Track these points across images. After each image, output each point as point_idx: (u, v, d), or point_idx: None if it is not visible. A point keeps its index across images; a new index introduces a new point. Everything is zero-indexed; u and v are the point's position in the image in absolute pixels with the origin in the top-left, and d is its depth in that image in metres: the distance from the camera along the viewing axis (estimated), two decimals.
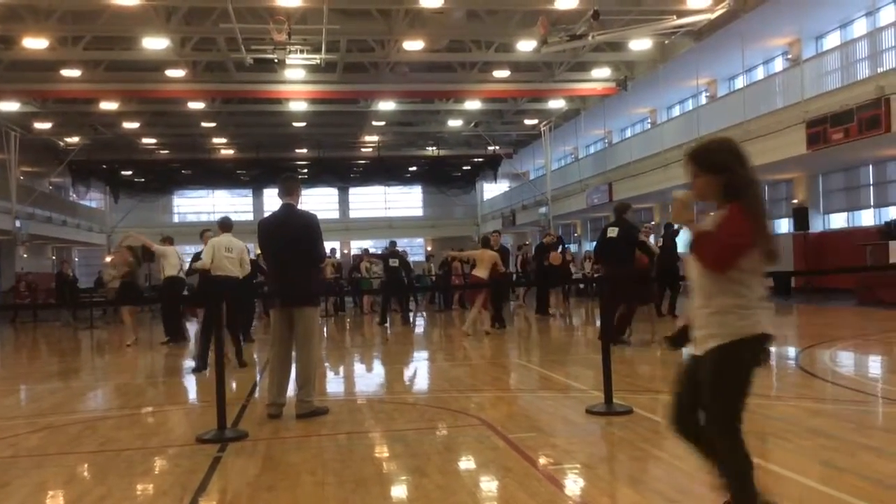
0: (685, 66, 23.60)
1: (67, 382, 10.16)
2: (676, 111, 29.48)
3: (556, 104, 31.64)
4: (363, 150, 41.07)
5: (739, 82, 24.78)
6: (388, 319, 17.48)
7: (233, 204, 43.10)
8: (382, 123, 35.22)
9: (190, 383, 9.78)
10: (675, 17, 19.95)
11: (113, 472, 5.00)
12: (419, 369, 10.68)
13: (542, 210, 33.51)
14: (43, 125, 30.05)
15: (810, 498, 3.97)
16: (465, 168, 41.97)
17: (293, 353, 6.72)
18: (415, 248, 42.48)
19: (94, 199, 41.89)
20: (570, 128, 33.54)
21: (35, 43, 21.04)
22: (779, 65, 23.55)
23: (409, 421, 6.49)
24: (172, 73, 24.75)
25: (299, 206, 6.96)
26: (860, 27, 20.49)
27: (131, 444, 5.85)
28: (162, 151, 39.53)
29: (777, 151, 18.98)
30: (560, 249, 18.24)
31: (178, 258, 14.11)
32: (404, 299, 19.20)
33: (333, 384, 9.20)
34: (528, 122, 35.17)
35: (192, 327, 16.81)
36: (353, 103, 30.54)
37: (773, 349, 8.95)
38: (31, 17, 20.17)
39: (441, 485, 4.40)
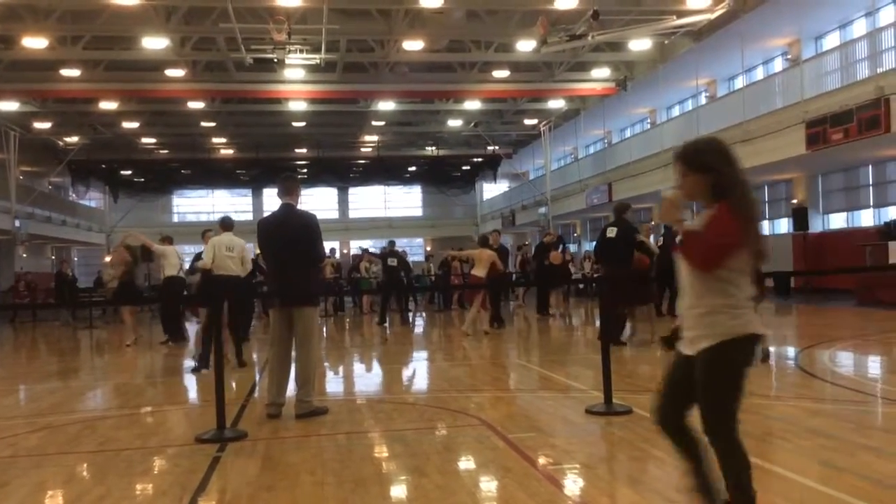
0: (685, 67, 23.60)
1: (66, 382, 10.15)
2: (676, 111, 29.48)
3: (556, 104, 31.64)
4: (363, 149, 41.06)
5: (739, 82, 24.77)
6: (387, 319, 17.47)
7: (232, 204, 43.08)
8: (382, 123, 35.21)
9: (189, 383, 9.77)
10: (674, 17, 19.95)
11: (112, 471, 4.99)
12: (419, 369, 10.69)
13: (542, 210, 33.51)
14: (42, 125, 30.03)
15: (810, 498, 3.97)
16: (464, 168, 41.97)
17: (293, 353, 6.72)
18: (414, 248, 42.47)
19: (93, 199, 41.88)
20: (570, 128, 33.55)
21: (34, 42, 21.03)
22: (778, 65, 23.55)
23: (409, 421, 6.49)
24: (172, 72, 24.74)
25: (299, 206, 6.96)
26: (860, 27, 20.50)
27: (130, 444, 5.85)
28: (161, 151, 39.51)
29: (776, 152, 18.99)
30: (560, 249, 18.24)
31: (178, 258, 14.10)
32: (403, 299, 19.19)
33: (333, 384, 9.20)
34: (527, 122, 35.17)
35: (192, 327, 16.82)
36: (352, 103, 30.54)
37: (772, 349, 8.93)
38: (31, 16, 20.17)
39: (440, 485, 4.40)
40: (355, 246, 35.81)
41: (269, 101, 29.42)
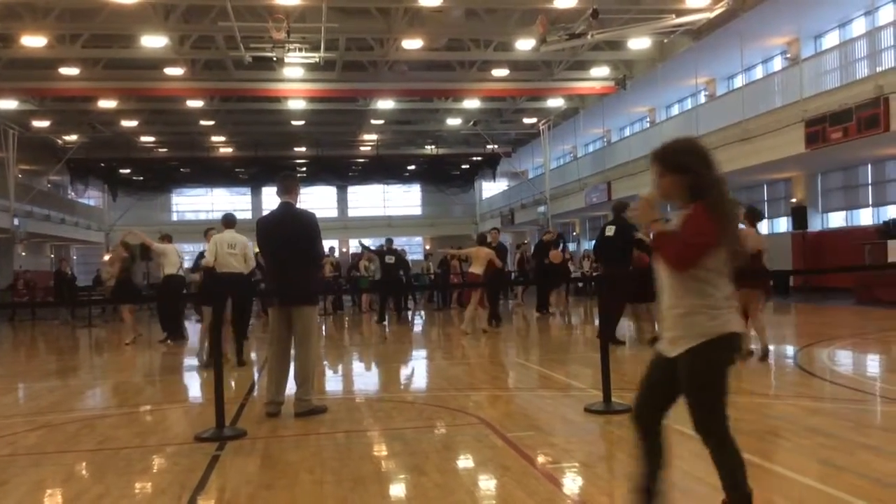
0: (684, 65, 23.59)
1: (65, 381, 10.15)
2: (675, 110, 29.48)
3: (555, 103, 31.63)
4: (362, 148, 41.06)
5: (738, 81, 24.77)
6: (386, 317, 17.48)
7: (231, 202, 43.09)
8: (381, 122, 35.21)
9: (188, 381, 9.79)
10: (673, 16, 19.95)
11: (111, 470, 4.99)
12: (417, 368, 10.69)
13: (541, 209, 33.51)
14: (41, 123, 30.02)
15: (809, 496, 3.98)
16: (463, 167, 41.99)
17: (292, 352, 6.72)
18: (413, 247, 42.47)
19: (92, 198, 41.88)
20: (569, 127, 33.55)
21: (33, 41, 21.02)
22: (778, 64, 23.55)
23: (408, 419, 6.49)
24: (171, 71, 24.72)
25: (298, 205, 6.96)
26: (859, 26, 20.50)
27: (130, 443, 5.84)
28: (160, 150, 39.49)
29: (776, 150, 19.00)
30: (560, 247, 18.24)
31: (178, 256, 14.10)
32: (402, 297, 19.18)
33: (332, 383, 9.21)
34: (526, 120, 35.16)
35: (191, 326, 16.80)
36: (351, 102, 30.52)
37: (771, 348, 8.93)
38: (30, 15, 20.15)
39: (439, 483, 4.40)
40: (354, 245, 35.84)
41: (269, 99, 29.41)
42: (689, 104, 27.98)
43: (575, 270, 24.17)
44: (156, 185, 40.93)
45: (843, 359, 9.53)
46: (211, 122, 33.51)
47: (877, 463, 4.48)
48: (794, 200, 22.58)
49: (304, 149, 39.94)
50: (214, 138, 37.71)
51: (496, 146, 38.72)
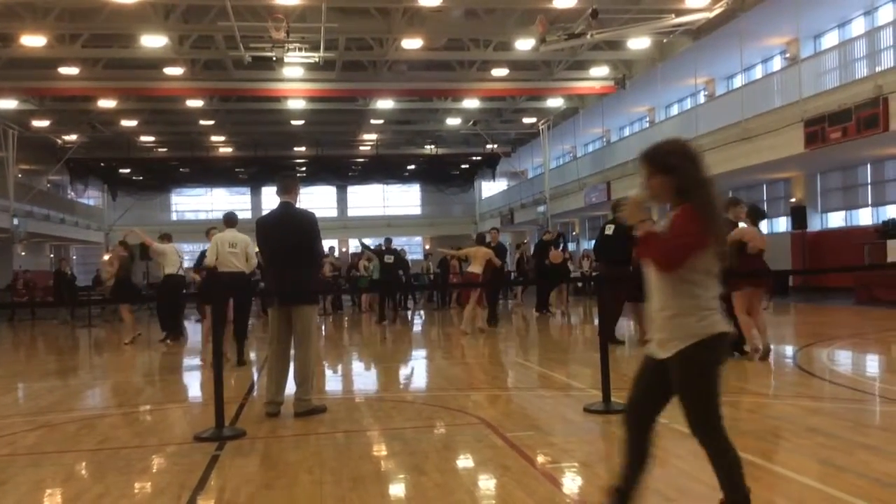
0: (683, 65, 23.60)
1: (65, 380, 10.14)
2: (675, 110, 29.49)
3: (555, 103, 31.64)
4: (361, 148, 41.05)
5: (738, 81, 24.79)
6: (386, 317, 17.48)
7: (231, 202, 43.05)
8: (381, 122, 35.21)
9: (188, 381, 9.79)
10: (673, 15, 19.96)
11: (111, 470, 4.99)
12: (417, 368, 10.69)
13: (541, 209, 33.50)
14: (41, 123, 30.01)
15: (809, 496, 3.97)
16: (463, 167, 41.98)
17: (291, 352, 6.72)
18: (413, 247, 42.47)
19: (92, 197, 41.86)
20: (569, 126, 33.54)
21: (33, 40, 21.01)
22: (777, 64, 23.56)
23: (408, 419, 6.49)
24: (171, 70, 24.71)
25: (297, 205, 6.96)
26: (858, 26, 20.51)
27: (129, 443, 5.84)
28: (160, 149, 39.49)
29: (775, 150, 19.01)
30: (560, 247, 18.25)
31: (178, 256, 14.11)
32: (401, 297, 19.16)
33: (331, 382, 9.20)
34: (526, 120, 35.16)
35: (191, 325, 16.81)
36: (351, 101, 30.53)
37: (771, 347, 8.92)
38: (29, 14, 20.15)
39: (439, 483, 4.40)
40: (354, 245, 35.82)
41: (268, 99, 29.41)
42: (688, 104, 28.00)
43: (574, 270, 24.19)
44: (155, 185, 40.92)
45: (843, 359, 9.53)
46: (211, 122, 33.51)
47: (876, 463, 4.48)
48: (793, 200, 22.59)
49: (303, 148, 39.95)
50: (214, 138, 37.71)
51: (496, 146, 38.70)
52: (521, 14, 21.71)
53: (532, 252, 21.07)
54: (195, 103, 29.50)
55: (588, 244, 34.67)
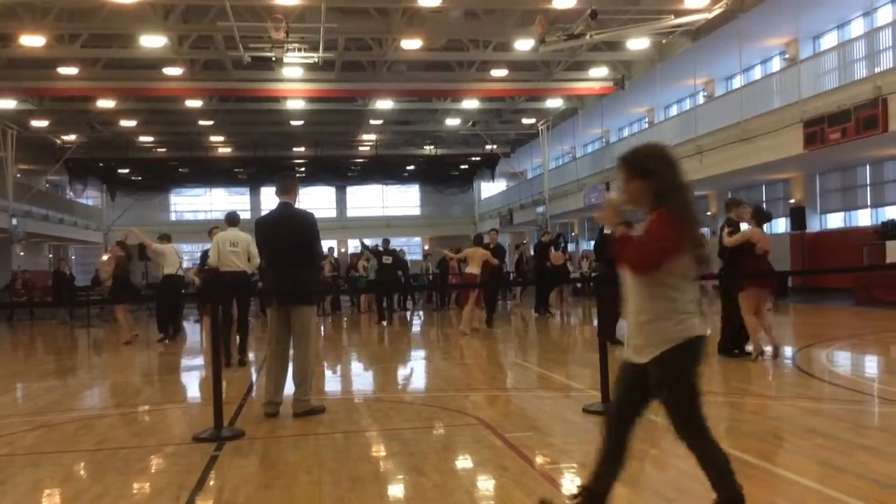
0: (683, 66, 23.61)
1: (64, 381, 10.13)
2: (674, 111, 29.50)
3: (554, 103, 31.64)
4: (361, 148, 41.05)
5: (737, 82, 24.80)
6: (385, 317, 17.48)
7: (230, 202, 43.00)
8: (380, 122, 35.20)
9: (187, 381, 9.78)
10: (672, 16, 19.96)
11: (109, 470, 4.99)
12: (416, 368, 10.68)
13: (540, 209, 33.50)
14: (40, 123, 30.00)
15: (808, 498, 3.97)
16: (462, 167, 41.96)
17: (290, 352, 6.72)
18: (412, 247, 42.46)
19: (91, 198, 41.83)
20: (568, 127, 33.55)
21: (32, 40, 20.99)
22: (776, 64, 23.58)
23: (406, 420, 6.48)
24: (170, 70, 24.70)
25: (297, 205, 6.96)
26: (857, 27, 20.53)
27: (128, 443, 5.84)
28: (159, 149, 39.47)
29: (774, 151, 19.01)
30: (560, 247, 18.24)
31: (177, 256, 14.11)
32: (400, 297, 19.16)
33: (330, 383, 9.20)
34: (525, 121, 35.16)
35: (189, 325, 16.81)
36: (350, 102, 30.52)
37: (769, 349, 8.91)
38: (29, 14, 20.14)
39: (438, 484, 4.40)
40: (353, 245, 35.81)
41: (268, 99, 29.40)
42: (687, 105, 28.01)
43: (574, 271, 24.18)
44: (154, 185, 40.87)
45: (842, 360, 9.53)
46: (210, 122, 33.49)
47: (876, 464, 4.48)
48: (792, 201, 22.60)
49: (302, 149, 39.93)
50: (213, 138, 37.69)
51: (495, 146, 38.69)
52: (520, 14, 21.72)
53: (532, 253, 21.06)
54: (194, 103, 29.48)
55: (587, 245, 34.68)
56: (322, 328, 17.17)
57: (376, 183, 44.15)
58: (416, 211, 46.84)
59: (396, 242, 20.07)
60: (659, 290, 3.10)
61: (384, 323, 17.13)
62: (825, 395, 7.02)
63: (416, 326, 17.78)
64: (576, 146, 35.53)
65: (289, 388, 6.64)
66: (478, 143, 39.25)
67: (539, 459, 4.90)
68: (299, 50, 21.60)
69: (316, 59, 22.47)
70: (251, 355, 10.74)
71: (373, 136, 38.80)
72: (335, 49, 23.38)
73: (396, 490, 4.45)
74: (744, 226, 8.99)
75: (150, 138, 37.07)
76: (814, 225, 22.05)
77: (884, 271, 16.96)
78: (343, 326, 18.43)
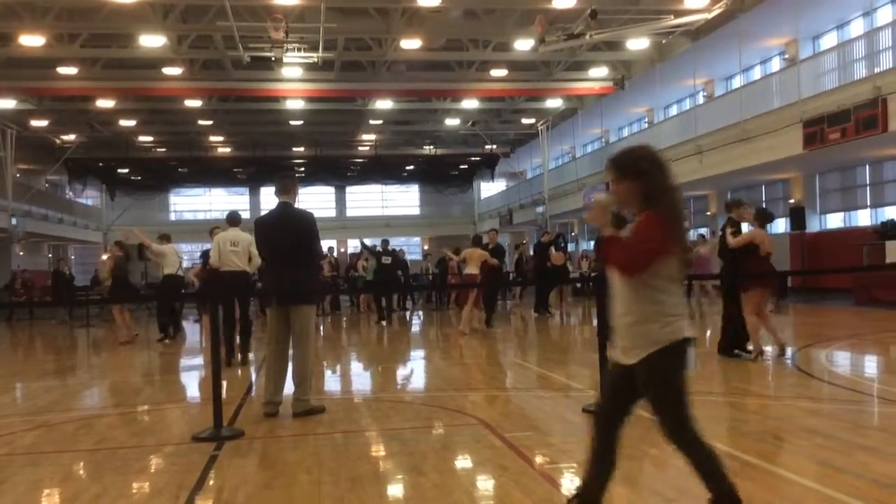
0: (682, 66, 23.62)
1: (63, 380, 10.13)
2: (674, 111, 29.50)
3: (554, 103, 31.63)
4: (360, 148, 41.03)
5: (736, 82, 24.80)
6: (384, 317, 17.48)
7: (230, 202, 42.98)
8: (380, 122, 35.19)
9: (186, 381, 9.78)
10: (672, 16, 19.96)
11: (109, 470, 4.98)
12: (416, 368, 10.68)
13: (540, 209, 33.50)
14: (39, 122, 29.99)
15: (808, 498, 3.97)
16: (462, 167, 41.94)
17: (289, 352, 6.72)
18: (412, 247, 42.44)
19: (90, 197, 41.82)
20: (568, 127, 33.55)
21: (31, 40, 20.99)
22: (776, 65, 23.58)
23: (406, 419, 6.48)
24: (169, 70, 24.70)
25: (296, 205, 6.96)
26: (857, 27, 20.53)
27: (127, 443, 5.84)
28: (159, 149, 39.46)
29: (774, 151, 19.02)
30: (560, 247, 18.24)
31: (177, 256, 14.11)
32: (398, 297, 19.14)
33: (330, 383, 9.20)
34: (525, 121, 35.16)
35: (189, 325, 16.80)
36: (350, 102, 30.51)
37: (769, 349, 8.92)
38: (28, 14, 20.13)
39: (437, 483, 4.40)
40: (353, 245, 35.78)
41: (267, 99, 29.38)
42: (687, 105, 28.01)
43: (573, 271, 24.18)
44: (154, 185, 40.85)
45: (842, 360, 9.54)
46: (209, 122, 33.47)
47: (875, 464, 4.48)
48: (792, 201, 22.60)
49: (302, 149, 39.91)
50: (213, 138, 37.68)
51: (495, 146, 38.68)
52: (520, 14, 21.71)
53: (531, 253, 21.05)
54: (194, 103, 29.46)
55: (587, 245, 34.69)
56: (321, 328, 17.17)
57: (376, 183, 44.13)
58: (416, 211, 46.84)
59: (396, 242, 20.07)
60: (646, 291, 3.10)
61: (384, 323, 17.14)
62: (825, 395, 7.03)
63: (416, 326, 17.78)
64: (575, 146, 35.54)
65: (288, 387, 6.64)
66: (477, 143, 39.24)
67: (538, 459, 4.90)
68: (299, 50, 21.60)
69: (315, 59, 22.47)
70: (251, 355, 10.73)
71: (372, 136, 38.78)
72: (335, 49, 23.37)
73: (396, 490, 4.45)
74: (745, 226, 9.01)
75: (150, 138, 37.05)
76: (813, 225, 22.05)
77: (883, 271, 16.98)
78: (343, 326, 18.42)
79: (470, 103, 31.42)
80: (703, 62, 23.31)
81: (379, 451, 5.41)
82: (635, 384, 3.16)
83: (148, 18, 20.67)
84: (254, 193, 43.79)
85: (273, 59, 21.88)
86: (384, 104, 30.74)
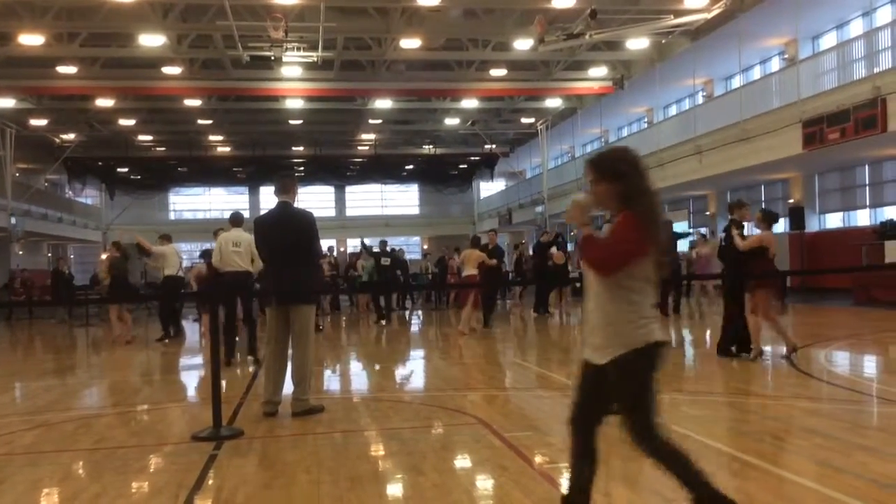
0: (682, 66, 23.62)
1: (63, 380, 10.13)
2: (673, 110, 29.51)
3: (553, 103, 31.63)
4: (360, 148, 41.02)
5: (736, 82, 24.80)
6: (384, 316, 17.48)
7: (229, 202, 43.01)
8: (379, 121, 35.18)
9: (185, 381, 9.78)
10: (672, 16, 19.96)
11: (108, 469, 4.98)
12: (415, 368, 10.69)
13: (539, 209, 33.50)
14: (39, 122, 29.98)
15: (807, 498, 3.98)
16: (461, 166, 41.92)
17: (289, 352, 6.71)
18: (412, 247, 42.44)
19: (89, 197, 41.81)
20: (567, 126, 33.55)
21: (31, 39, 20.97)
22: (775, 64, 23.58)
23: (405, 419, 6.48)
24: (169, 70, 24.68)
25: (296, 204, 6.96)
26: (857, 27, 20.54)
27: (126, 442, 5.83)
28: (158, 149, 39.43)
29: (773, 151, 19.02)
30: (558, 247, 18.23)
31: (178, 257, 14.11)
32: (398, 297, 19.13)
33: (329, 382, 9.20)
34: (524, 120, 35.15)
35: (188, 325, 16.79)
36: (349, 101, 30.51)
37: (768, 348, 8.92)
38: (28, 13, 20.11)
39: (437, 483, 4.40)
40: (352, 245, 35.78)
41: (266, 98, 29.38)
42: (686, 104, 28.02)
43: (573, 270, 24.16)
44: (153, 185, 40.82)
45: (841, 360, 9.54)
46: (209, 122, 33.46)
47: (874, 464, 4.48)
48: (791, 201, 22.61)
49: (301, 148, 39.91)
50: (212, 137, 37.66)
51: (494, 146, 38.68)
52: (519, 14, 21.70)
53: (530, 252, 21.04)
54: (193, 102, 29.45)
55: None
56: (321, 326, 17.14)
57: (375, 182, 44.11)
58: (416, 210, 46.83)
59: (395, 242, 20.06)
60: (621, 292, 3.11)
61: (383, 322, 17.13)
62: (824, 395, 7.03)
63: (415, 326, 17.78)
64: (575, 146, 35.53)
65: (288, 387, 6.64)
66: (477, 143, 39.24)
67: (538, 459, 4.90)
68: (298, 49, 21.59)
69: (315, 59, 22.46)
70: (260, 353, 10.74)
71: (372, 136, 38.77)
72: (334, 48, 23.36)
73: (395, 489, 4.45)
74: (746, 226, 9.04)
75: (149, 137, 37.03)
76: (813, 225, 22.06)
77: (882, 271, 16.97)
78: (342, 326, 18.42)
79: (469, 103, 31.42)
80: (702, 62, 23.32)
81: (378, 450, 5.41)
82: (607, 384, 3.16)
83: (147, 18, 20.66)
84: (253, 193, 43.78)
85: (272, 58, 21.86)
86: (384, 104, 30.74)
